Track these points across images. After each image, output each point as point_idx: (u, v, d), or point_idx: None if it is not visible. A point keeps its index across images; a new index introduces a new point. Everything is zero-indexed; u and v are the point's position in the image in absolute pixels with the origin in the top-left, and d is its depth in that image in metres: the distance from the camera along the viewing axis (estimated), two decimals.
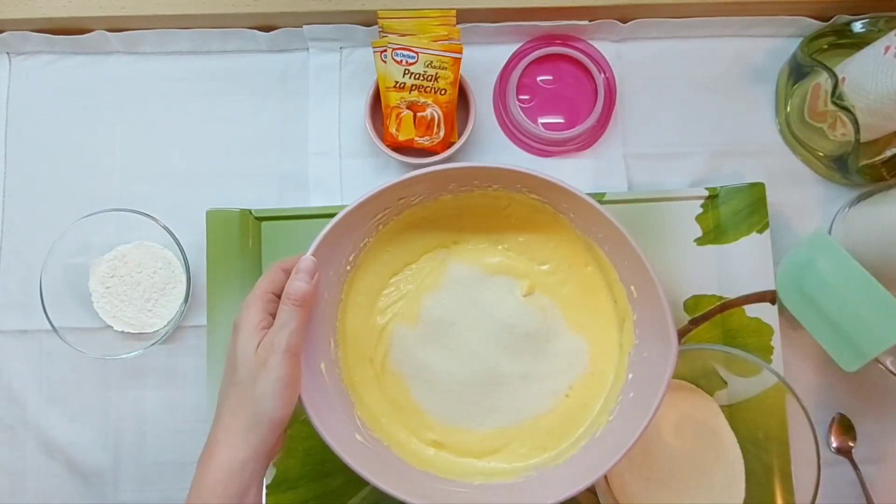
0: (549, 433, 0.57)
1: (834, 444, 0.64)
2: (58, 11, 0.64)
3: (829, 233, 0.66)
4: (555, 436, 0.57)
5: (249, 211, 0.63)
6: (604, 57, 0.66)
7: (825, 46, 0.66)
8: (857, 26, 0.64)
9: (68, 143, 0.67)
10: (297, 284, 0.48)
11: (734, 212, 0.63)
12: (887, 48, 0.55)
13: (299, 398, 0.49)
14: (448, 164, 0.52)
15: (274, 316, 0.48)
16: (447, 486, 0.54)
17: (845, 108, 0.58)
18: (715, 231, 0.64)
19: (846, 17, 0.65)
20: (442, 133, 0.62)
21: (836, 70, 0.59)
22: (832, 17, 0.66)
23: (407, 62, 0.60)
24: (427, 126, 0.62)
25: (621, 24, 0.66)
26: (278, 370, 0.46)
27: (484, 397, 0.59)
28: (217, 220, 0.63)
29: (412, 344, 0.59)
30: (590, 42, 0.66)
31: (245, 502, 0.46)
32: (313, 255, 0.50)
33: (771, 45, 0.68)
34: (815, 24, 0.66)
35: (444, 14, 0.61)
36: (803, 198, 0.67)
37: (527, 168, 0.50)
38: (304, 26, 0.66)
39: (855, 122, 0.58)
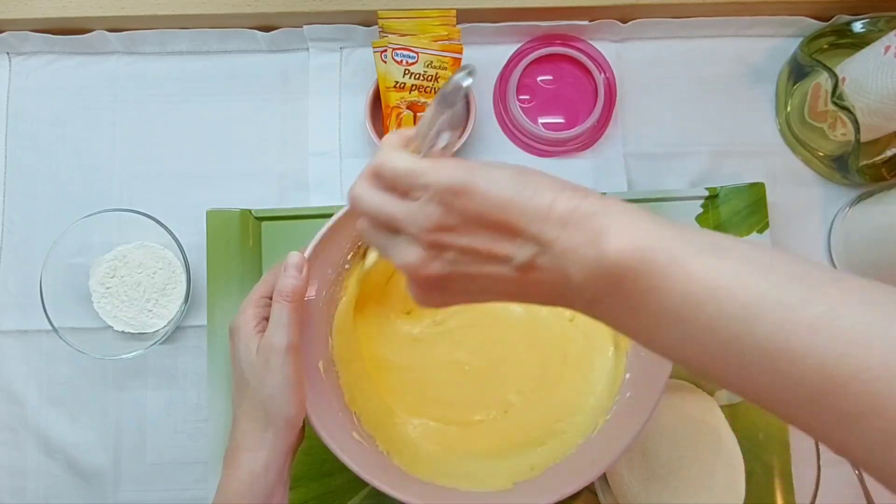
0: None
1: None
2: (58, 11, 0.64)
3: (829, 233, 0.66)
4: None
5: (249, 211, 0.63)
6: (604, 57, 0.66)
7: (825, 46, 0.65)
8: (857, 26, 0.64)
9: (68, 143, 0.67)
10: (286, 281, 0.48)
11: (734, 212, 0.63)
12: (887, 48, 0.55)
13: None
14: None
15: (268, 319, 0.48)
16: (444, 486, 0.54)
17: (845, 108, 0.58)
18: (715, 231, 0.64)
19: (846, 17, 0.65)
20: None
21: (836, 70, 0.59)
22: (832, 17, 0.65)
23: (407, 62, 0.60)
24: None
25: (621, 24, 0.66)
26: (283, 369, 0.46)
27: (481, 395, 0.59)
28: (217, 220, 0.62)
29: None
30: (590, 42, 0.66)
31: (272, 502, 0.46)
32: (311, 253, 0.50)
33: (771, 45, 0.68)
34: (815, 24, 0.66)
35: (444, 14, 0.61)
36: (803, 198, 0.67)
37: None
38: (304, 26, 0.65)
39: (855, 122, 0.58)
